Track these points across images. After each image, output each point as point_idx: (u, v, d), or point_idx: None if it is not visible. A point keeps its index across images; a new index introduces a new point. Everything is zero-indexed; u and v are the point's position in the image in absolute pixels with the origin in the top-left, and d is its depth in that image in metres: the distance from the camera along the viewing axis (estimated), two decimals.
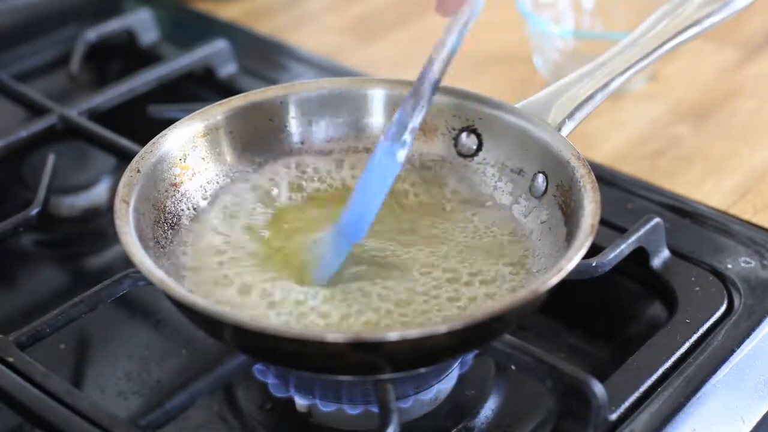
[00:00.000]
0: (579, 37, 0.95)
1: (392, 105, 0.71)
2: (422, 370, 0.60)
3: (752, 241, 0.75)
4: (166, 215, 0.66)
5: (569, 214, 0.63)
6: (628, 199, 0.78)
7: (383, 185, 0.63)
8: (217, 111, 0.70)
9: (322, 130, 0.72)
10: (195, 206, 0.68)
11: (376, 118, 0.72)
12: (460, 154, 0.71)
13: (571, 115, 0.67)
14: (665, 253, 0.73)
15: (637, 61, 0.70)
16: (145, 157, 0.65)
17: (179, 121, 0.69)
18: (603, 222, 0.66)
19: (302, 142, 0.72)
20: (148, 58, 0.97)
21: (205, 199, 0.68)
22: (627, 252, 0.70)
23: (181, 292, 0.57)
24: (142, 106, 0.85)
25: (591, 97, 0.68)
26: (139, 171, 0.64)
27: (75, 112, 0.85)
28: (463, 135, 0.71)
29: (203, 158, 0.69)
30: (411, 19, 1.07)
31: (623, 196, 0.78)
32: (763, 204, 0.81)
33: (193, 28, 1.05)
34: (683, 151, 0.87)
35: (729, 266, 0.72)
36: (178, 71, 0.92)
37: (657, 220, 0.72)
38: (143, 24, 1.00)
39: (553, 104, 0.68)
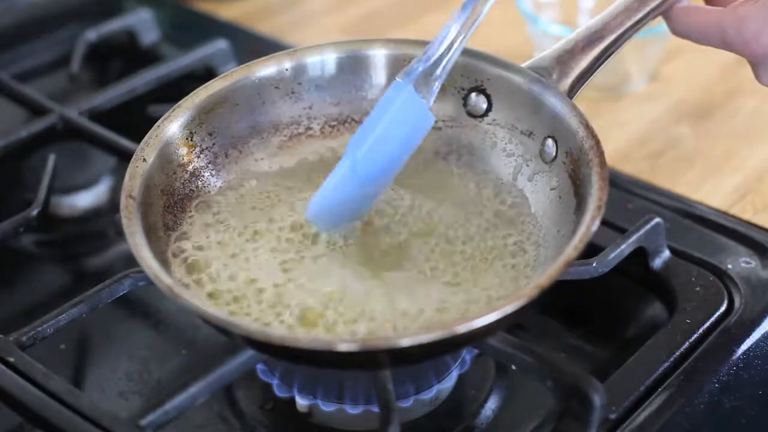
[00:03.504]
0: None
1: (395, 65, 0.70)
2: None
3: (752, 241, 0.75)
4: (176, 198, 0.65)
5: (578, 185, 0.62)
6: (628, 199, 0.78)
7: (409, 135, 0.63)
8: (221, 84, 0.69)
9: (328, 94, 0.71)
10: (205, 184, 0.67)
11: (380, 78, 0.71)
12: (470, 115, 0.70)
13: (579, 76, 0.66)
14: (665, 253, 0.73)
15: (647, 13, 0.67)
16: (150, 143, 0.64)
17: (182, 100, 0.67)
18: (603, 222, 0.66)
19: (310, 107, 0.71)
20: (149, 58, 0.97)
21: (214, 176, 0.68)
22: (627, 252, 0.70)
23: (187, 299, 0.56)
24: (142, 106, 0.85)
25: (600, 54, 0.66)
26: (145, 160, 0.63)
27: (75, 112, 0.85)
28: (473, 95, 0.69)
29: (211, 133, 0.68)
30: (411, 19, 1.07)
31: (623, 196, 0.78)
32: (763, 204, 0.81)
33: (193, 28, 1.05)
34: (683, 151, 0.87)
35: (729, 266, 0.72)
36: (178, 71, 0.92)
37: (657, 220, 0.72)
38: (143, 24, 1.00)
39: (559, 64, 0.66)
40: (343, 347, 0.53)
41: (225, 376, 0.59)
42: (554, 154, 0.65)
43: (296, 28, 1.07)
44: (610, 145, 0.87)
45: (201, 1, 1.09)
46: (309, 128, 0.71)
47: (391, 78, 0.69)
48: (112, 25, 0.99)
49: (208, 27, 1.04)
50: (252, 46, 1.00)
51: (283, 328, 0.59)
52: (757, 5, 0.63)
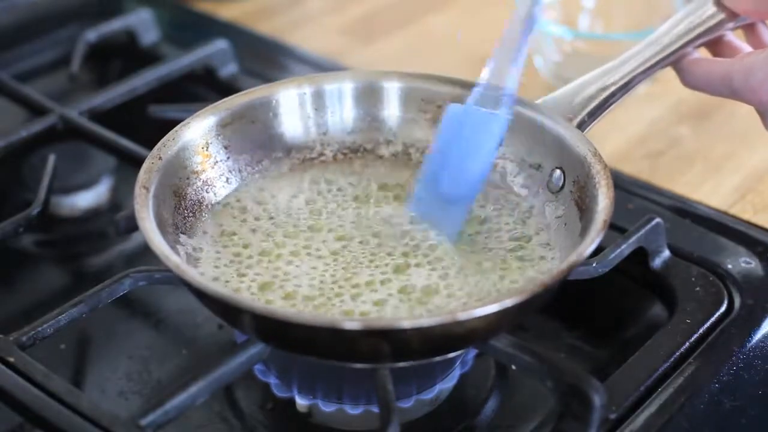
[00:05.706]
0: (579, 37, 0.95)
1: (407, 98, 0.72)
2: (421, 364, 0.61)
3: (752, 241, 0.75)
4: (187, 202, 0.66)
5: (584, 210, 0.63)
6: (628, 199, 0.78)
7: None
8: (241, 101, 0.70)
9: (342, 122, 0.72)
10: (216, 195, 0.68)
11: (393, 110, 0.72)
12: None
13: (590, 113, 0.67)
14: (665, 253, 0.73)
15: (658, 61, 0.70)
16: (167, 144, 0.66)
17: (202, 110, 0.69)
18: None
19: (324, 133, 0.72)
20: (149, 58, 0.97)
21: (225, 189, 0.69)
22: (627, 252, 0.70)
23: (195, 277, 0.57)
24: (142, 106, 0.86)
25: (611, 94, 0.68)
26: (160, 158, 0.64)
27: (75, 112, 0.85)
28: None
29: (226, 147, 0.69)
30: (411, 20, 1.07)
31: (623, 196, 0.78)
32: (763, 204, 0.81)
33: (193, 28, 1.05)
34: (683, 151, 0.87)
35: (729, 266, 0.72)
36: (178, 71, 0.92)
37: (657, 220, 0.72)
38: (144, 24, 1.00)
39: (572, 101, 0.68)
40: (347, 325, 0.54)
41: (225, 376, 0.59)
42: (561, 184, 0.66)
43: (296, 28, 1.07)
44: (609, 145, 0.88)
45: (201, 1, 1.09)
46: (322, 154, 0.72)
47: (405, 110, 0.72)
48: (112, 25, 0.99)
49: (208, 27, 1.04)
50: (252, 46, 1.00)
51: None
52: (763, 55, 0.65)
